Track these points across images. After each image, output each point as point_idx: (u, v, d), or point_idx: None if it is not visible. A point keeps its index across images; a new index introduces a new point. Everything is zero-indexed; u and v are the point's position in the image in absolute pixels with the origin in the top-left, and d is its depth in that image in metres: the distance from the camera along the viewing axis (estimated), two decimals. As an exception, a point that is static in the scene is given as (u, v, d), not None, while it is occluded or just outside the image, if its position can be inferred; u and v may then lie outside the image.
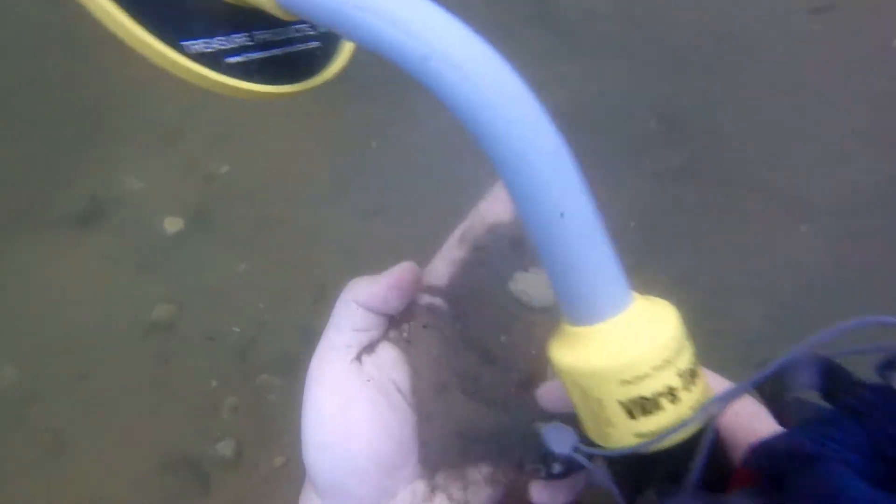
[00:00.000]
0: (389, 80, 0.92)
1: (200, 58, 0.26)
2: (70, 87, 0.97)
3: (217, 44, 0.27)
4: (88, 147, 0.92)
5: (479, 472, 0.32)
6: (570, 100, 0.92)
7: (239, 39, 0.27)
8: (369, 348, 0.33)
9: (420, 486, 0.32)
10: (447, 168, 0.82)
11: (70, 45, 0.97)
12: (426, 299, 0.35)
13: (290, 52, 0.29)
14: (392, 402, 0.32)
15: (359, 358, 0.32)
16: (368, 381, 0.32)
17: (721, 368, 0.25)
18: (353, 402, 0.31)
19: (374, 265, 0.39)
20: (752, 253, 0.81)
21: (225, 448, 0.71)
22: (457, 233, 0.37)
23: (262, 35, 0.28)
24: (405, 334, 0.34)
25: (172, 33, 0.25)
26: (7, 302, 0.83)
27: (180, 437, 0.73)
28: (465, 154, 0.44)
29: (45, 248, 0.85)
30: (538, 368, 0.34)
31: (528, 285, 0.35)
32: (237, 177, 0.88)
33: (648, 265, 0.73)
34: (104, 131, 0.94)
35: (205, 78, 0.26)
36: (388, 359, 0.34)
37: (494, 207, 0.37)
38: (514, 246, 0.35)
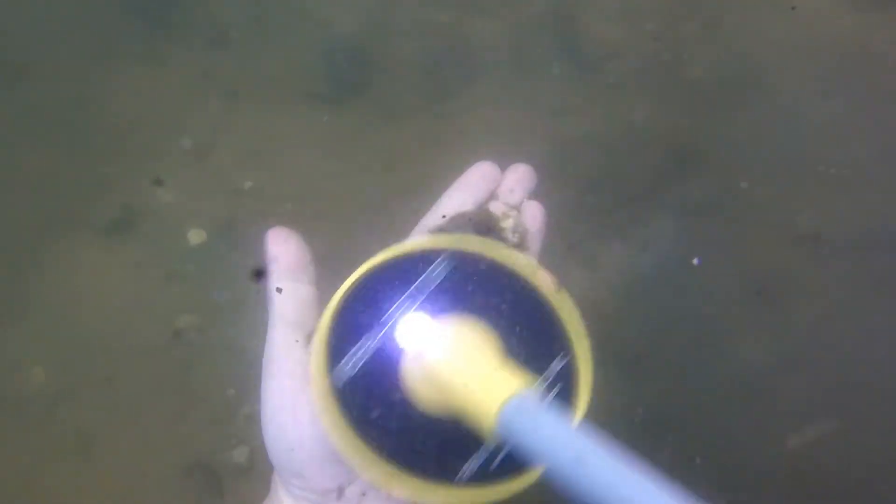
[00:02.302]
0: (417, 106, 0.95)
1: (476, 476, 0.30)
2: (105, 100, 1.00)
3: (481, 457, 0.31)
4: (122, 159, 0.95)
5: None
6: (587, 131, 0.93)
7: (488, 448, 0.31)
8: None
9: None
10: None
11: (105, 60, 1.01)
12: None
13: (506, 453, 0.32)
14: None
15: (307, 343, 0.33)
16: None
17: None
18: (301, 391, 0.32)
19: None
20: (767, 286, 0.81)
21: (239, 455, 0.74)
22: (422, 223, 0.38)
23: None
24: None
25: (446, 474, 0.31)
26: (38, 305, 0.87)
27: (198, 443, 0.75)
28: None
29: (76, 255, 0.89)
30: None
31: None
32: (262, 193, 0.91)
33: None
34: (137, 144, 0.97)
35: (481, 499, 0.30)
36: None
37: (457, 198, 0.39)
38: (480, 232, 0.37)
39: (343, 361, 0.31)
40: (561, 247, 0.86)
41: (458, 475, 0.30)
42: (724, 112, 0.94)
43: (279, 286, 0.35)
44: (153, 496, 0.75)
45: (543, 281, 0.34)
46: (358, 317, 0.32)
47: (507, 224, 0.38)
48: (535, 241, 0.38)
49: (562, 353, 0.33)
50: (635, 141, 0.94)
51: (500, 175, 0.40)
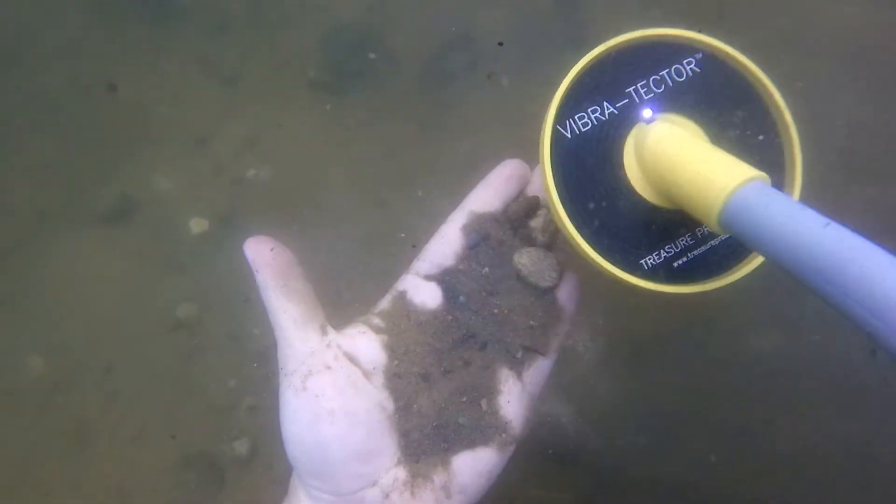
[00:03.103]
0: (418, 93, 0.94)
1: (654, 271, 0.31)
2: (105, 89, 1.00)
3: (665, 253, 0.32)
4: (121, 147, 0.95)
5: (460, 459, 0.33)
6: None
7: (681, 243, 0.32)
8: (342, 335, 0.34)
9: (401, 473, 0.33)
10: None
11: (104, 45, 1.00)
12: (417, 284, 0.36)
13: (710, 249, 0.33)
14: (359, 391, 0.33)
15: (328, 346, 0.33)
16: (328, 368, 0.33)
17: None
18: (319, 396, 0.32)
19: (390, 280, 0.40)
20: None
21: (240, 447, 0.73)
22: (451, 219, 0.38)
23: (690, 239, 0.32)
24: (384, 322, 0.35)
25: (632, 257, 0.31)
26: (37, 294, 0.86)
27: (198, 434, 0.75)
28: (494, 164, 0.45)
29: (76, 243, 0.88)
30: (536, 342, 0.35)
31: (531, 261, 0.36)
32: (263, 182, 0.90)
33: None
34: (138, 132, 0.96)
35: (660, 293, 0.31)
36: (363, 346, 0.34)
37: (484, 196, 0.39)
38: (514, 228, 0.37)
39: (577, 116, 0.32)
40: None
41: (642, 261, 0.31)
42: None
43: (275, 292, 0.35)
44: (152, 487, 0.75)
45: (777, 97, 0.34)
46: (602, 82, 0.33)
47: (537, 223, 0.38)
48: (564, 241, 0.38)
49: (778, 175, 0.33)
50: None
51: (529, 173, 0.40)
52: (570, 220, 0.31)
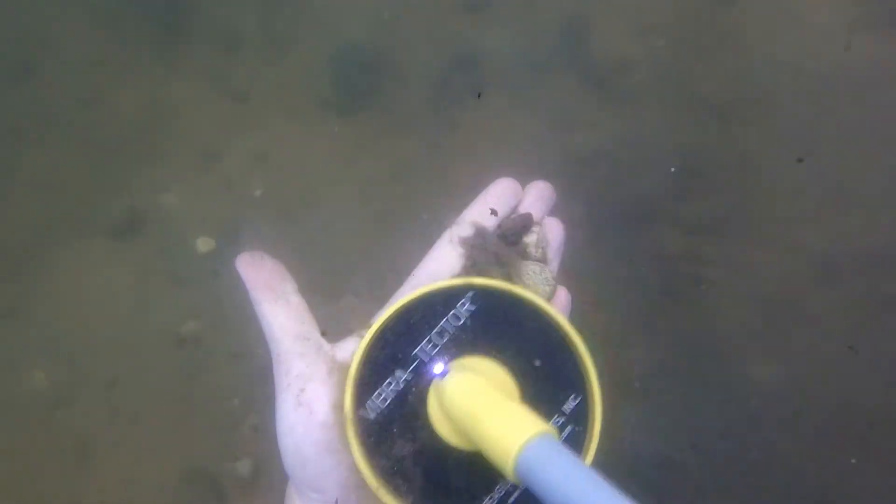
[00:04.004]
0: (426, 115, 0.95)
1: None
2: (115, 102, 1.00)
3: (495, 498, 0.32)
4: (130, 162, 0.95)
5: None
6: (596, 145, 0.93)
7: (504, 488, 0.32)
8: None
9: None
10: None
11: (116, 62, 1.01)
12: None
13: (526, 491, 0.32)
14: None
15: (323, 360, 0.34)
16: (324, 381, 0.33)
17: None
18: (314, 409, 0.33)
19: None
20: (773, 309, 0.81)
21: (243, 467, 0.73)
22: (445, 237, 0.39)
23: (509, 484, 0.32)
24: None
25: None
26: (43, 306, 0.86)
27: (200, 452, 0.74)
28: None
29: (82, 258, 0.88)
30: None
31: (527, 274, 0.37)
32: (270, 201, 0.91)
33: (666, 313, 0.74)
34: (147, 147, 0.97)
35: None
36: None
37: (479, 213, 0.39)
38: (508, 244, 0.38)
39: (374, 395, 0.33)
40: (567, 262, 0.86)
41: None
42: (733, 129, 0.94)
43: (269, 306, 0.35)
44: None
45: (561, 312, 0.35)
46: (388, 353, 0.34)
47: (531, 239, 0.39)
48: (556, 257, 0.39)
49: (574, 394, 0.34)
50: (644, 156, 0.94)
51: (521, 191, 0.41)
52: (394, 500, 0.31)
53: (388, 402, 0.33)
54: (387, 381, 0.33)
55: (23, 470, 0.77)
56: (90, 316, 0.85)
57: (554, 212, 0.41)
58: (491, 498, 0.32)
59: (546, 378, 0.34)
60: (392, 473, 0.32)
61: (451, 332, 0.34)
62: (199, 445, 0.75)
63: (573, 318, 0.36)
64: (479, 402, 0.30)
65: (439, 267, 0.37)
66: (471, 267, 0.37)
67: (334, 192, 0.91)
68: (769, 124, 0.96)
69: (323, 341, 0.36)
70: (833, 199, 0.88)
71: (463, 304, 0.35)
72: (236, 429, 0.76)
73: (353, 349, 0.34)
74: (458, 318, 0.35)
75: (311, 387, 0.33)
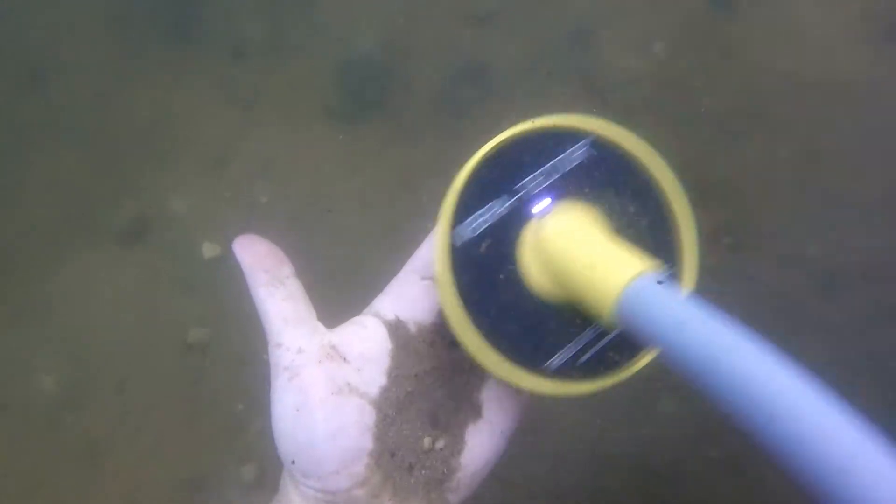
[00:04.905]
0: (432, 124, 0.95)
1: (559, 372, 0.31)
2: (123, 108, 1.01)
3: (571, 350, 0.31)
4: (137, 167, 0.96)
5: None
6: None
7: (585, 338, 0.31)
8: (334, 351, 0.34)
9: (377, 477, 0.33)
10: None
11: (124, 68, 1.01)
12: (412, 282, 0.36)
13: (612, 342, 0.32)
14: (350, 390, 0.33)
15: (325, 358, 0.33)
16: (318, 366, 0.33)
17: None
18: (309, 394, 0.32)
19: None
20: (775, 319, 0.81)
21: (248, 471, 0.74)
22: (413, 262, 0.39)
23: (592, 334, 0.32)
24: (378, 322, 0.36)
25: (537, 361, 0.30)
26: (51, 310, 0.87)
27: (206, 457, 0.75)
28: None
29: (88, 263, 0.89)
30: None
31: None
32: (277, 208, 0.91)
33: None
34: (154, 152, 0.97)
35: (561, 394, 0.30)
36: (355, 344, 0.35)
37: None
38: None
39: (467, 221, 0.31)
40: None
41: (548, 362, 0.30)
42: (736, 142, 0.95)
43: (265, 290, 0.35)
44: (158, 508, 0.75)
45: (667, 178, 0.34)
46: (491, 181, 0.32)
47: None
48: None
49: (670, 264, 0.33)
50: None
51: None
52: (473, 331, 0.30)
53: (478, 232, 0.31)
54: (481, 211, 0.31)
55: (30, 473, 0.78)
56: (98, 320, 0.85)
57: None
58: (566, 350, 0.31)
59: (644, 243, 0.32)
60: (473, 311, 0.30)
61: (559, 174, 0.32)
62: (205, 450, 0.76)
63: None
64: (578, 240, 0.29)
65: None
66: None
67: (340, 199, 0.92)
68: (771, 136, 0.96)
69: (319, 325, 0.36)
70: (834, 210, 0.89)
71: (579, 149, 0.33)
72: (242, 434, 0.76)
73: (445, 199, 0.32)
74: (570, 162, 0.32)
75: (305, 371, 0.32)
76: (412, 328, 0.35)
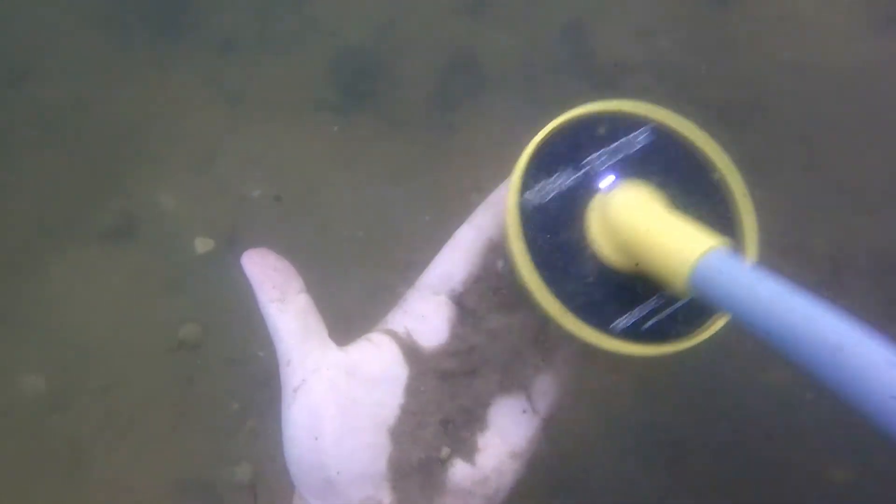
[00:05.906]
0: (424, 117, 0.94)
1: (624, 334, 0.32)
2: (109, 103, 1.00)
3: (634, 316, 0.33)
4: (124, 164, 0.94)
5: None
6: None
7: (649, 306, 0.33)
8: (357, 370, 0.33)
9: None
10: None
11: (110, 63, 1.00)
12: (424, 299, 0.36)
13: (678, 309, 0.34)
14: (362, 409, 0.32)
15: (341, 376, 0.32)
16: (331, 386, 0.32)
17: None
18: (321, 415, 0.31)
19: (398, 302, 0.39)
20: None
21: (242, 473, 0.72)
22: (457, 236, 0.37)
23: (657, 300, 0.33)
24: (390, 339, 0.35)
25: (602, 321, 0.32)
26: (36, 311, 0.85)
27: (197, 458, 0.73)
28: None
29: (76, 261, 0.87)
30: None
31: None
32: (269, 202, 0.90)
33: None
34: (141, 149, 0.96)
35: (634, 356, 0.32)
36: (366, 363, 0.34)
37: (488, 217, 0.38)
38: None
39: (536, 188, 0.33)
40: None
41: (613, 324, 0.32)
42: (736, 132, 0.94)
43: (276, 306, 0.34)
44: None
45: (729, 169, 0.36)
46: (560, 151, 0.34)
47: None
48: None
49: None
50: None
51: None
52: (542, 286, 0.32)
53: (551, 195, 0.33)
54: (554, 176, 0.33)
55: (15, 476, 0.76)
56: (85, 320, 0.83)
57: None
58: (640, 309, 0.32)
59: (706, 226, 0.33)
60: (540, 268, 0.32)
61: (624, 154, 0.34)
62: (197, 450, 0.74)
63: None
64: (650, 215, 0.31)
65: (453, 269, 0.36)
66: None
67: (333, 193, 0.90)
68: (772, 126, 0.96)
69: (331, 343, 0.35)
70: (838, 201, 0.88)
71: (640, 133, 0.35)
72: (235, 433, 0.74)
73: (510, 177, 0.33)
74: (632, 145, 0.35)
75: (316, 391, 0.32)
76: (425, 346, 0.35)
